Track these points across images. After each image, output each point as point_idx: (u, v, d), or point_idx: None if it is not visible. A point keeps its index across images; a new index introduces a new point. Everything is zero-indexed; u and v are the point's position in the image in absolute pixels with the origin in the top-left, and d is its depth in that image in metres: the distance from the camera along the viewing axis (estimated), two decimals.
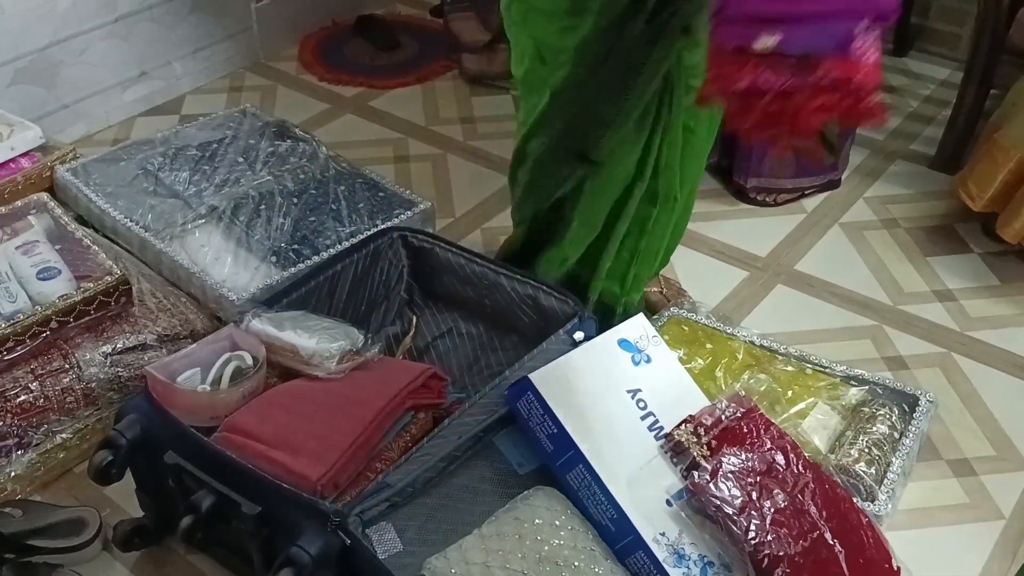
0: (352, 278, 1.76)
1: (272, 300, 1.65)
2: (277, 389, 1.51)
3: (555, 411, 1.39)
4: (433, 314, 1.88)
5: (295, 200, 2.03)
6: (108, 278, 1.69)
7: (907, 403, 1.70)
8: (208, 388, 1.50)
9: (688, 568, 1.34)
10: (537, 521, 1.33)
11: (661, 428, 1.45)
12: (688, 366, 1.65)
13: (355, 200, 2.06)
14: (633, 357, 1.51)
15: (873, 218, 2.34)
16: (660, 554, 1.33)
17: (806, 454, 1.48)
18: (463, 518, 1.37)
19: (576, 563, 1.30)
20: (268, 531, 1.30)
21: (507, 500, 1.38)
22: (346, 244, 1.89)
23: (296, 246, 1.91)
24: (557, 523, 1.34)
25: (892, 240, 2.27)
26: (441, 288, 1.84)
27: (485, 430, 1.44)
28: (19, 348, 1.60)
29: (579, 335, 1.57)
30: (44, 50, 2.41)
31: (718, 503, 1.34)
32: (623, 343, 1.52)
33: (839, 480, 1.51)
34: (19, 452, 1.61)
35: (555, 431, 1.39)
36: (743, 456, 1.40)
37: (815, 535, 1.36)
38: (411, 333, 1.86)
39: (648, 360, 1.52)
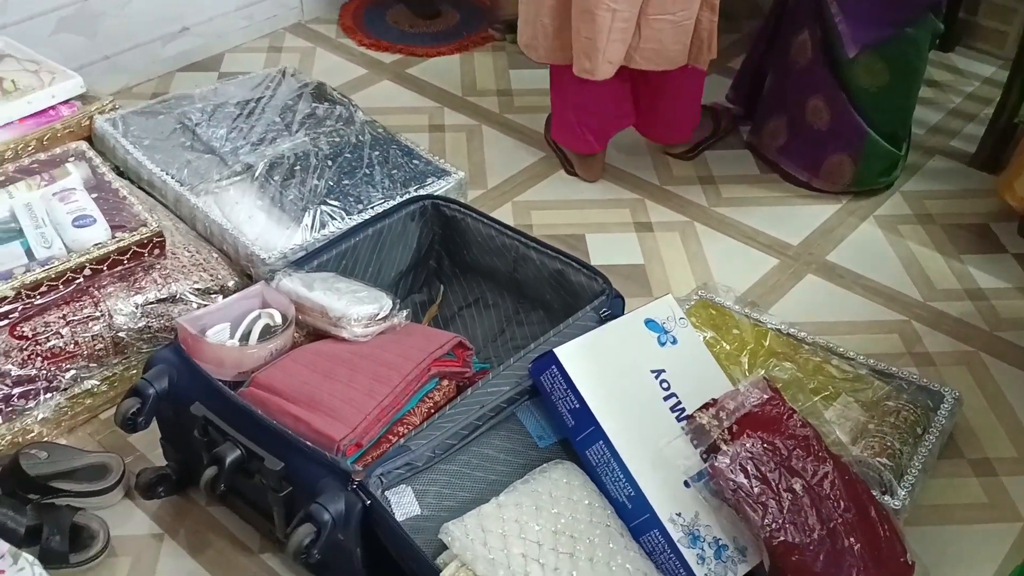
0: (382, 243, 1.77)
1: (303, 260, 1.66)
2: (304, 348, 1.52)
3: (578, 387, 1.39)
4: (461, 284, 1.89)
5: (330, 163, 2.03)
6: (143, 229, 1.70)
7: (932, 400, 1.69)
8: (237, 343, 1.51)
9: (702, 550, 1.34)
10: (554, 494, 1.34)
11: (683, 410, 1.45)
12: (714, 350, 1.64)
13: (389, 166, 2.06)
14: (659, 338, 1.51)
15: (908, 212, 2.32)
16: (675, 534, 1.33)
17: (827, 444, 1.47)
18: (482, 487, 1.38)
19: (591, 537, 1.31)
20: (289, 487, 1.32)
21: (526, 472, 1.38)
22: (378, 209, 1.90)
23: (329, 208, 1.91)
24: (574, 497, 1.35)
25: (927, 236, 2.25)
26: (470, 258, 1.84)
27: (507, 402, 1.44)
28: (52, 293, 1.62)
29: (606, 313, 1.57)
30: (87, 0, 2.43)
31: (735, 487, 1.34)
32: (650, 323, 1.52)
33: (859, 472, 1.50)
34: (47, 395, 1.64)
35: (577, 406, 1.39)
36: (764, 442, 1.39)
37: (831, 525, 1.36)
38: (438, 301, 1.87)
39: (674, 341, 1.52)
